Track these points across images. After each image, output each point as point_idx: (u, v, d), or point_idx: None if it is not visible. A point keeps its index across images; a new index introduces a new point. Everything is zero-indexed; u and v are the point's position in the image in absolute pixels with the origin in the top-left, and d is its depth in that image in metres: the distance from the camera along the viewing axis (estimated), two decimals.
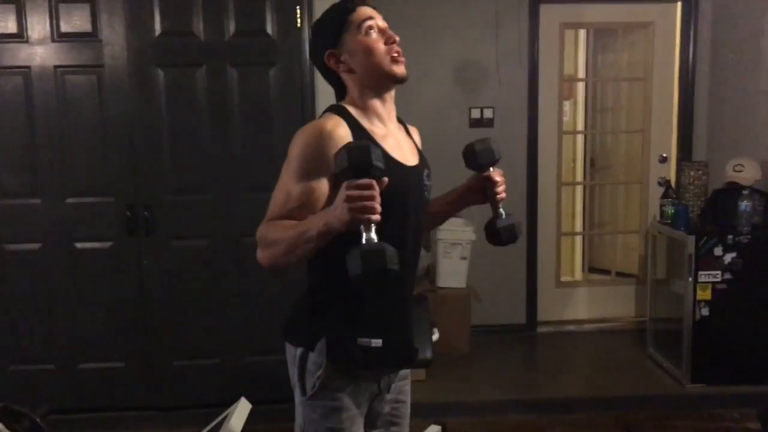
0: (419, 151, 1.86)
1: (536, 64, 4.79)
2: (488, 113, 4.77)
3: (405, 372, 1.94)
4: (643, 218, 5.05)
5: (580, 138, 5.68)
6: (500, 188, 1.82)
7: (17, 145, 3.54)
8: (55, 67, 3.50)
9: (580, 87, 5.79)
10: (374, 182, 1.48)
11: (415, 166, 1.78)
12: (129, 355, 3.68)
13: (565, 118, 5.67)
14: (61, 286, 3.63)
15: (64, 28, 3.48)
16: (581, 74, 5.63)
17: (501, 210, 1.82)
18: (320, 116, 1.73)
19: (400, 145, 1.77)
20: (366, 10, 1.72)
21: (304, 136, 1.63)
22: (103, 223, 3.60)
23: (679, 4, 4.84)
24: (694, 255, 3.83)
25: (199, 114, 3.55)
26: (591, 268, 5.45)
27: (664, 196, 4.32)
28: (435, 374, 4.10)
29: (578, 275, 5.48)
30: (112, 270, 3.63)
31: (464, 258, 4.53)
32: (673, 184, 4.53)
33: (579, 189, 5.68)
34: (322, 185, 1.61)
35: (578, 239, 5.62)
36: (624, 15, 4.91)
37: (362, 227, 1.46)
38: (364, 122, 1.71)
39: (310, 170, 1.60)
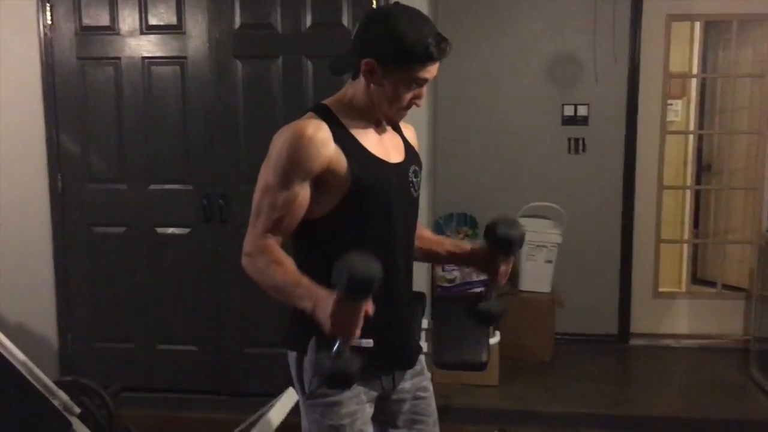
0: (408, 148, 1.83)
1: (637, 58, 4.48)
2: (582, 110, 4.51)
3: (419, 367, 1.87)
4: (757, 227, 4.62)
5: (692, 139, 5.27)
6: (501, 279, 1.84)
7: (107, 132, 3.72)
8: (143, 58, 3.65)
9: (695, 84, 5.38)
10: (361, 312, 1.49)
11: (398, 163, 1.76)
12: (201, 339, 3.79)
13: (676, 119, 5.29)
14: (143, 269, 3.78)
15: (152, 20, 3.63)
16: (695, 71, 5.23)
17: (491, 294, 1.86)
18: (303, 116, 1.71)
19: (382, 141, 1.76)
20: (433, 71, 1.67)
21: (284, 140, 1.64)
22: (182, 210, 3.72)
23: None
24: None
25: (274, 105, 3.60)
26: (699, 280, 5.05)
27: None
28: (509, 379, 3.95)
29: (683, 285, 5.09)
30: (190, 255, 3.75)
31: (549, 261, 4.32)
32: None
33: (689, 194, 5.28)
34: (305, 190, 1.64)
35: (686, 247, 5.22)
36: (739, 6, 4.49)
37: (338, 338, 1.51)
38: (346, 120, 1.70)
39: (291, 176, 1.62)
